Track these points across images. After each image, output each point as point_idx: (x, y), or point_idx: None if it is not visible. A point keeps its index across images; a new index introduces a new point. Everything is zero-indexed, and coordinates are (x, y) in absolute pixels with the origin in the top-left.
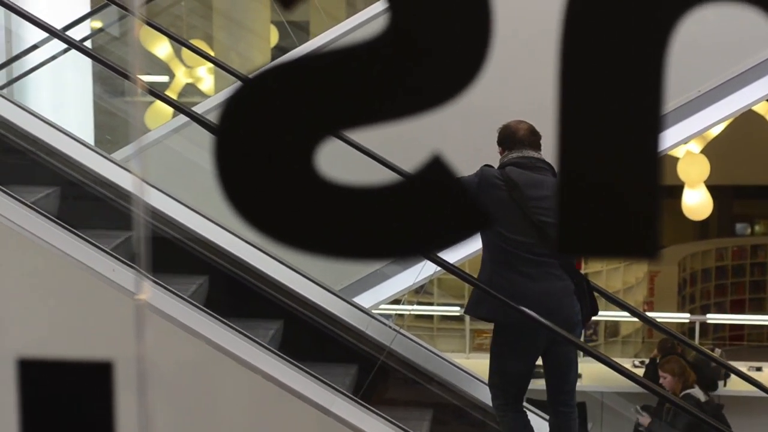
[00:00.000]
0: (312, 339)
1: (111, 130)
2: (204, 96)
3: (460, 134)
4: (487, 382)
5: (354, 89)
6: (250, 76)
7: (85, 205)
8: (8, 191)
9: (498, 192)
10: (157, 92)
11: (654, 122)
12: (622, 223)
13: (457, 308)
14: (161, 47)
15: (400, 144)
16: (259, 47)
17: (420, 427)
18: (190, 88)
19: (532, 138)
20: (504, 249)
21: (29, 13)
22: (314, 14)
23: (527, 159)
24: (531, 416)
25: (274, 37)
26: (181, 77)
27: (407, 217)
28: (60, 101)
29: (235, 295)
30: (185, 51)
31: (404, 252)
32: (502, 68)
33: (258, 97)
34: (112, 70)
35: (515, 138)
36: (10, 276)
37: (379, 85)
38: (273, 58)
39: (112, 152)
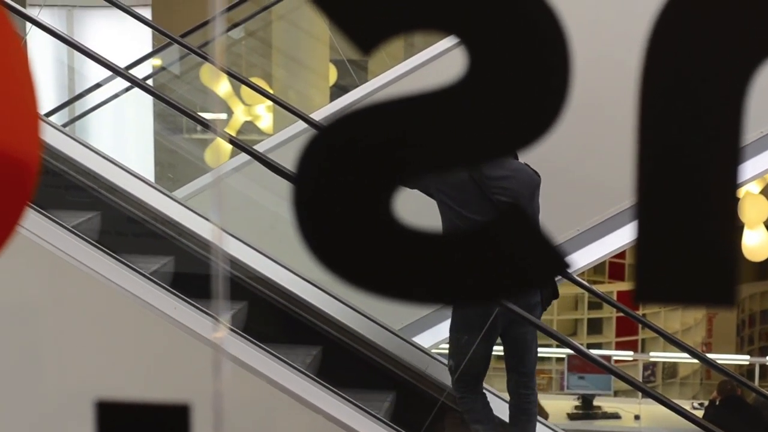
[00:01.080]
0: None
1: (171, 167)
2: (262, 134)
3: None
4: None
5: (430, 135)
6: (327, 123)
7: (147, 242)
8: (73, 229)
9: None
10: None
11: (733, 165)
12: (701, 270)
13: None
14: (221, 85)
15: None
16: (317, 86)
17: None
18: (249, 126)
19: None
20: (460, 225)
21: (94, 51)
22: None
23: None
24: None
25: (332, 75)
26: (240, 115)
27: (485, 262)
28: (121, 138)
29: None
30: (244, 89)
31: (481, 298)
32: (579, 115)
33: (334, 144)
34: (175, 108)
35: None
36: (79, 314)
37: (455, 132)
38: (332, 97)
39: (173, 190)
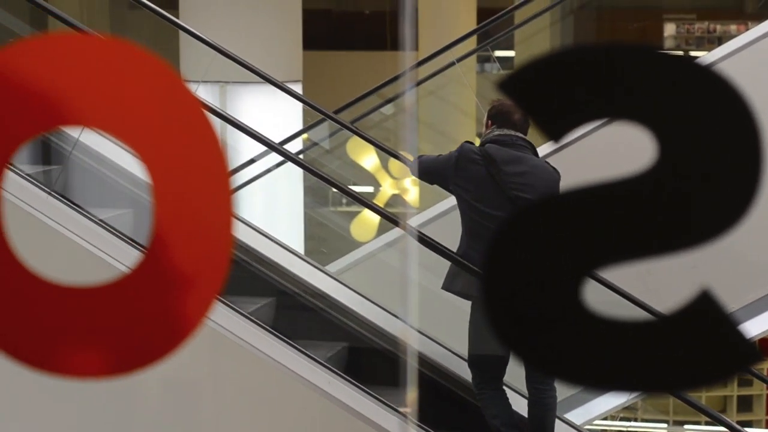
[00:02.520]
0: None
1: (322, 240)
2: (409, 207)
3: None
4: None
5: (619, 224)
6: (512, 213)
7: (299, 315)
8: (225, 301)
9: (475, 167)
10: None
11: None
12: None
13: (663, 425)
14: (368, 158)
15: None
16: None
17: None
18: (396, 199)
19: (525, 124)
20: (479, 223)
21: (248, 126)
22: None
23: (508, 137)
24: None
25: None
26: (388, 188)
27: (674, 350)
28: (272, 212)
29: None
30: (392, 162)
31: (670, 386)
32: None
33: (522, 233)
34: (327, 183)
35: (509, 118)
36: (229, 387)
37: (644, 222)
38: None
39: (325, 264)
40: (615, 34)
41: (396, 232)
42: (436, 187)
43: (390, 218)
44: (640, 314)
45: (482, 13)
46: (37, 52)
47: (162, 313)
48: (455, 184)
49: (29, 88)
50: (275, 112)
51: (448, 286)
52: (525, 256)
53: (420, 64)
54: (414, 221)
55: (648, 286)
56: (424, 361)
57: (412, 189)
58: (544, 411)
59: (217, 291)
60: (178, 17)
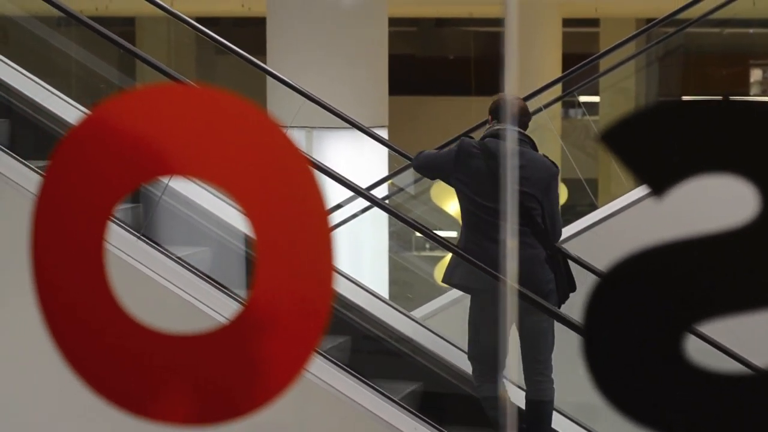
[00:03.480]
0: None
1: (405, 285)
2: None
3: None
4: None
5: (719, 277)
6: (609, 268)
7: (378, 358)
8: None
9: (475, 161)
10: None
11: None
12: None
13: None
14: (452, 203)
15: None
16: None
17: None
18: None
19: (524, 118)
20: (478, 216)
21: (335, 172)
22: (603, 172)
23: (506, 131)
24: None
25: (563, 194)
26: None
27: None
28: (357, 256)
29: None
30: None
31: None
32: None
33: (620, 288)
34: (414, 228)
35: (509, 113)
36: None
37: (745, 274)
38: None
39: (411, 309)
40: (701, 80)
41: None
42: None
43: (476, 263)
44: (731, 365)
45: (567, 59)
46: (140, 103)
47: (260, 364)
48: (455, 179)
49: (133, 140)
50: (361, 158)
51: (447, 280)
52: (626, 310)
53: None
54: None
55: (737, 336)
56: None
57: None
58: (542, 403)
59: (316, 343)
60: (265, 62)
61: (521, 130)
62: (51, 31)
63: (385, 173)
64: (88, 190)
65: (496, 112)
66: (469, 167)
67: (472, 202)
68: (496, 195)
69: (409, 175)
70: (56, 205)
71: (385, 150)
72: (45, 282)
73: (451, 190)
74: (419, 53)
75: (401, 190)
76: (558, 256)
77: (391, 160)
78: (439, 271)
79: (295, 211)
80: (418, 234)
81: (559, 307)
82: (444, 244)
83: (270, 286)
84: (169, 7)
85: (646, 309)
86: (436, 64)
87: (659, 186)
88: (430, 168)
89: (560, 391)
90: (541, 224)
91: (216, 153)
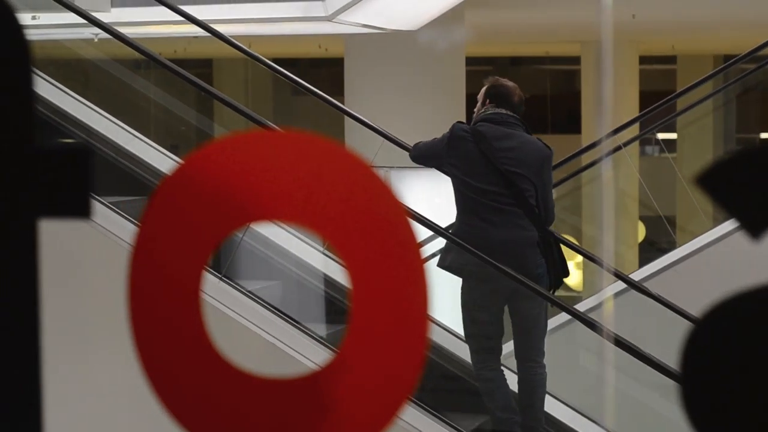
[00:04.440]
0: None
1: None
2: (570, 290)
3: None
4: None
5: None
6: (704, 313)
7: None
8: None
9: (467, 144)
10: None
11: None
12: None
13: None
14: None
15: None
16: (627, 242)
17: None
18: None
19: (520, 107)
20: (471, 198)
21: (415, 212)
22: (681, 207)
23: (499, 115)
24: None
25: (641, 231)
26: None
27: None
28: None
29: None
30: None
31: None
32: None
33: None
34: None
35: (508, 100)
36: None
37: None
38: (640, 252)
39: None
40: None
41: (562, 317)
42: (597, 269)
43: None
44: None
45: (644, 96)
46: (233, 150)
47: (352, 412)
48: (448, 164)
49: (227, 187)
50: (441, 197)
51: (441, 264)
52: (725, 355)
53: (588, 148)
54: (583, 305)
55: None
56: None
57: (574, 272)
58: (533, 387)
59: (410, 392)
60: (342, 102)
61: (515, 114)
62: (130, 74)
63: None
64: (183, 239)
65: (496, 98)
66: (460, 150)
67: (465, 184)
68: (488, 176)
69: None
70: (152, 254)
71: None
72: (142, 329)
73: None
74: None
75: None
76: (549, 239)
77: None
78: None
79: (393, 259)
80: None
81: (553, 292)
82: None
83: (364, 334)
84: (247, 49)
85: (746, 354)
86: None
87: (758, 228)
88: (426, 157)
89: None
90: (534, 206)
91: (314, 199)
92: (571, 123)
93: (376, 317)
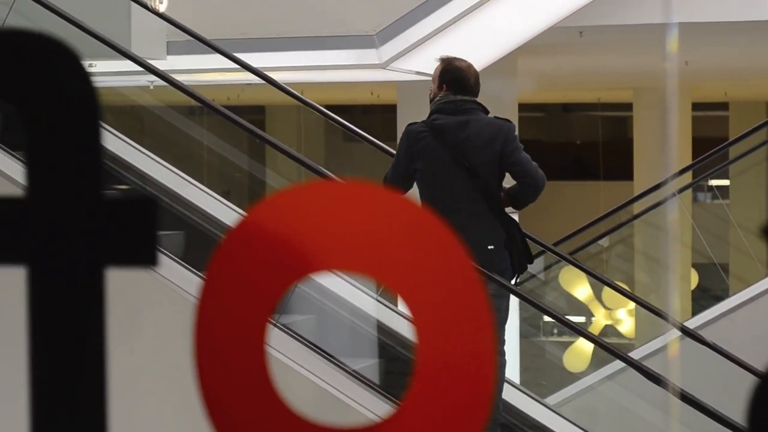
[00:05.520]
0: None
1: (535, 371)
2: (622, 337)
3: None
4: None
5: None
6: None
7: None
8: None
9: (425, 140)
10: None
11: None
12: None
13: None
14: (581, 289)
15: None
16: (679, 289)
17: None
18: (609, 330)
19: (477, 88)
20: (433, 192)
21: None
22: (734, 254)
23: (455, 103)
24: None
25: (694, 279)
26: (601, 319)
27: None
28: None
29: None
30: (605, 292)
31: None
32: None
33: None
34: (545, 313)
35: (464, 84)
36: None
37: None
38: (692, 300)
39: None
40: None
41: (616, 365)
42: (651, 318)
43: (617, 356)
44: None
45: (696, 142)
46: (296, 201)
47: None
48: (413, 168)
49: (291, 239)
50: None
51: None
52: None
53: (641, 196)
54: (637, 353)
55: None
56: None
57: (626, 320)
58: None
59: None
60: (395, 149)
61: (472, 98)
62: (185, 120)
63: None
64: (248, 292)
65: (452, 84)
66: (419, 148)
67: (425, 178)
68: (450, 170)
69: (539, 261)
70: (217, 308)
71: None
72: (208, 382)
73: (580, 274)
74: (547, 138)
75: (533, 276)
76: (514, 232)
77: None
78: (569, 356)
79: (460, 313)
80: (546, 319)
81: (516, 280)
82: (578, 329)
83: (427, 387)
84: (300, 95)
85: None
86: (564, 149)
87: None
88: (394, 176)
89: None
90: (498, 193)
91: (381, 251)
92: (623, 169)
93: (440, 371)
